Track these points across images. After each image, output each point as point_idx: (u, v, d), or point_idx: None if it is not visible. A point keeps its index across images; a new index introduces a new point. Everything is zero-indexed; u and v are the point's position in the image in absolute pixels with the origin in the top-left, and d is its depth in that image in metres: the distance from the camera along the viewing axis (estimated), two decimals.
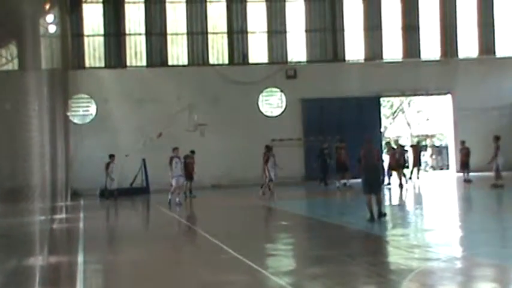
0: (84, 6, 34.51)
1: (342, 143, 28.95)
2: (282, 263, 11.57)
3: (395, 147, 29.79)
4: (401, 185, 27.10)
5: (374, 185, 16.14)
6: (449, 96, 36.93)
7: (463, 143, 29.50)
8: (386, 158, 27.51)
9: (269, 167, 25.48)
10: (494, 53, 36.90)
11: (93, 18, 34.58)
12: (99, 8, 34.56)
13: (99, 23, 34.52)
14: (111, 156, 28.11)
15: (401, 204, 21.86)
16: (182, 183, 24.65)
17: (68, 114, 32.65)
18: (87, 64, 34.26)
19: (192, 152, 27.64)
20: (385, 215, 16.35)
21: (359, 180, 17.67)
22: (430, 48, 36.46)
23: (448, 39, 36.47)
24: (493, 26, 36.87)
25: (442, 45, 36.52)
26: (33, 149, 9.65)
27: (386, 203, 20.65)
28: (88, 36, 34.37)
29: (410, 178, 29.70)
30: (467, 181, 28.07)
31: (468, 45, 36.72)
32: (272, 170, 25.49)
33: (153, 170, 30.24)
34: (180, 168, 24.24)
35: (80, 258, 12.52)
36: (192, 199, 26.27)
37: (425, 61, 36.26)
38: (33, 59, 10.71)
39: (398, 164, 28.03)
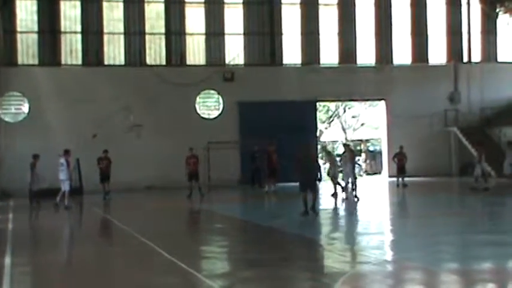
0: (17, 2, 33.66)
1: (272, 147, 27.97)
2: (216, 266, 11.54)
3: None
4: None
5: (310, 184, 17.78)
6: (383, 102, 37.67)
7: (401, 148, 30.04)
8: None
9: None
10: (427, 60, 37.82)
11: (26, 14, 33.75)
12: (33, 4, 33.75)
13: (33, 19, 33.72)
14: (35, 157, 25.06)
15: (336, 208, 22.09)
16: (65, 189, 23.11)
17: None
18: (19, 61, 33.41)
19: (105, 151, 27.11)
20: (317, 213, 17.88)
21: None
22: (366, 54, 37.09)
23: (383, 46, 37.17)
24: (426, 34, 37.79)
25: (377, 51, 37.20)
26: None
27: (322, 206, 20.87)
28: (21, 32, 33.52)
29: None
30: (403, 186, 28.60)
31: (402, 53, 37.53)
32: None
33: (87, 170, 29.74)
34: (67, 172, 23.07)
35: (8, 260, 12.17)
36: (108, 201, 25.96)
37: (361, 67, 36.87)
38: None
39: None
